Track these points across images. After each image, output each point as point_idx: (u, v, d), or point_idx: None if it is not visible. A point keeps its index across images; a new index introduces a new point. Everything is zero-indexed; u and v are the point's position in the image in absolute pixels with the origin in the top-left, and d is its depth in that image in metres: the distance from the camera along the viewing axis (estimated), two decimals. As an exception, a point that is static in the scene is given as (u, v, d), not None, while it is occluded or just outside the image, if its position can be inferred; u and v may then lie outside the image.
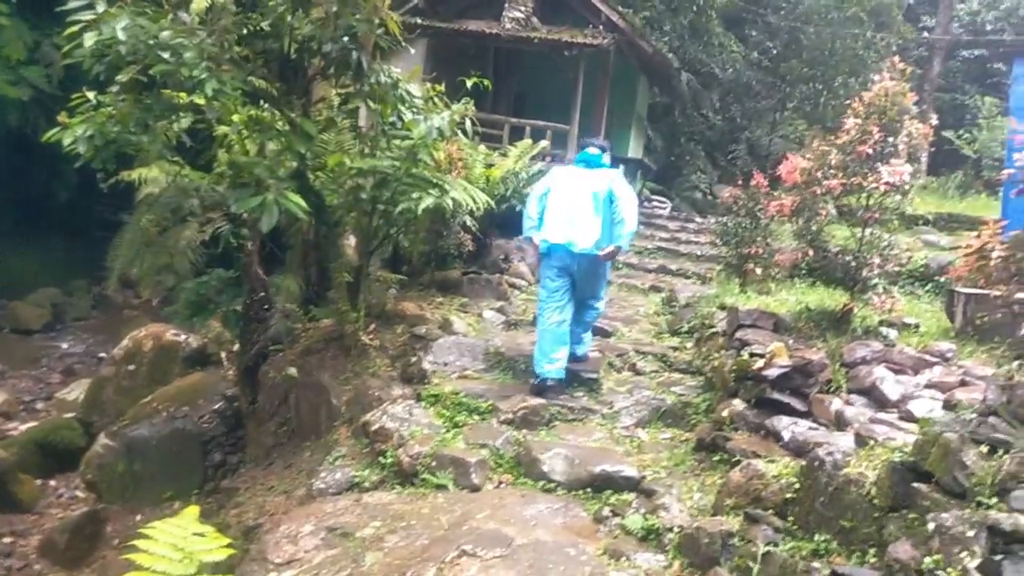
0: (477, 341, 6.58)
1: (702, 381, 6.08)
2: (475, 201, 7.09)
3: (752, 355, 5.16)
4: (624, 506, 4.56)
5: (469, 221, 7.92)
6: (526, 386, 5.98)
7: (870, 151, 5.11)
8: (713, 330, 6.24)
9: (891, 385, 4.72)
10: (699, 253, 11.20)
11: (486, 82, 6.95)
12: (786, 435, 4.61)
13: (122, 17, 5.47)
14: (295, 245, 8.19)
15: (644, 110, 18.92)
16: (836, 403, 4.78)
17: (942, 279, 7.97)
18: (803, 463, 3.90)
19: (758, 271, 7.39)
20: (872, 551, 3.44)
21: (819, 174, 5.27)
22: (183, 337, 9.85)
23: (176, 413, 8.67)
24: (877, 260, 5.27)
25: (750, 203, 7.49)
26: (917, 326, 5.75)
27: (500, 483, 4.96)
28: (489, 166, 9.06)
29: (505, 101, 13.86)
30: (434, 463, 4.97)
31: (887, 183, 4.97)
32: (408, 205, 6.44)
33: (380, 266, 8.84)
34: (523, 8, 13.12)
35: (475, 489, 4.85)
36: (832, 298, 6.11)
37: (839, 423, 4.58)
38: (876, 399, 4.74)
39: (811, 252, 5.40)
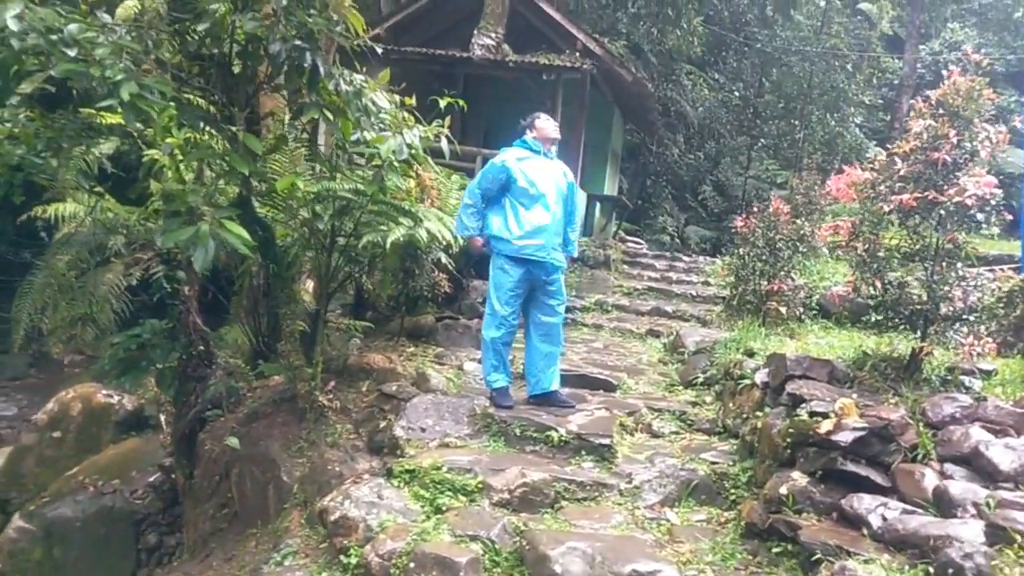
0: (459, 399, 5.44)
1: (736, 445, 5.00)
2: (452, 234, 6.03)
3: (812, 414, 4.10)
4: (666, 621, 3.44)
5: (444, 258, 6.84)
6: (522, 455, 4.86)
7: (947, 158, 4.14)
8: (745, 382, 5.18)
9: (1000, 452, 3.68)
10: (694, 293, 10.23)
11: (461, 102, 5.93)
12: (874, 521, 3.53)
13: (14, 3, 4.38)
14: (241, 289, 7.05)
15: (619, 146, 18.13)
16: (929, 476, 3.73)
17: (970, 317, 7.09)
18: (930, 569, 2.82)
19: (781, 310, 6.38)
20: None
21: (884, 187, 4.28)
22: (116, 398, 8.63)
23: (105, 488, 7.48)
24: (958, 293, 4.27)
25: (769, 232, 6.51)
26: (994, 372, 4.75)
27: (499, 589, 3.81)
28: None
29: (475, 134, 12.91)
30: (412, 564, 3.81)
31: (974, 196, 3.99)
32: (375, 238, 5.36)
33: (341, 312, 7.71)
34: (493, 35, 12.22)
35: (467, 601, 3.69)
36: (881, 342, 5.13)
37: (941, 503, 3.51)
38: (981, 470, 3.69)
39: (877, 284, 4.39)
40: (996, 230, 4.52)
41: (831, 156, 18.97)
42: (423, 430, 5.02)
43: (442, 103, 5.72)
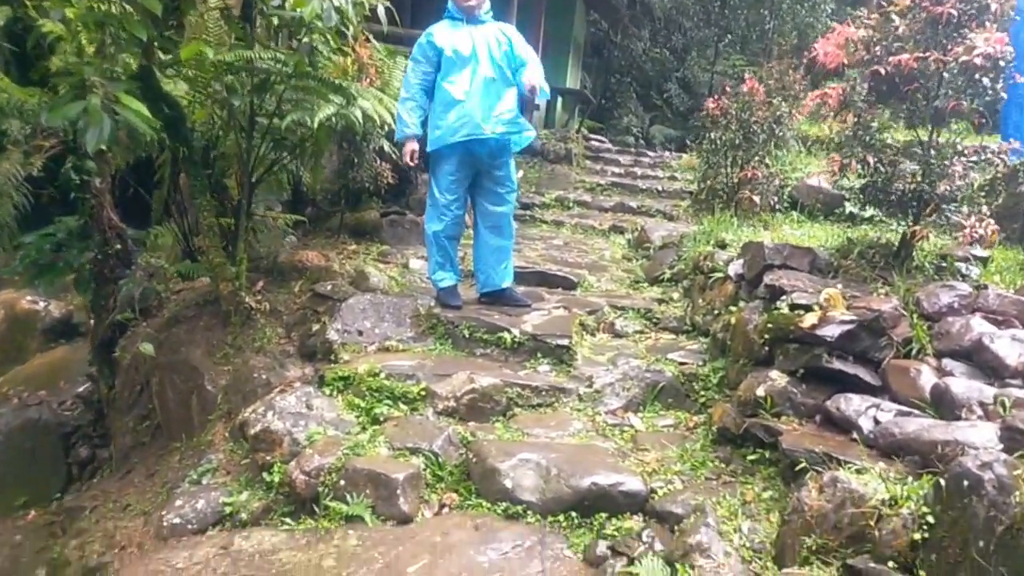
0: (401, 299, 4.90)
1: (706, 344, 4.56)
2: (393, 117, 5.38)
3: (794, 307, 3.64)
4: (630, 539, 3.04)
5: (387, 147, 6.19)
6: (471, 359, 4.37)
7: (952, 12, 3.58)
8: (717, 275, 4.70)
9: (1006, 345, 3.25)
10: (660, 188, 9.69)
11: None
12: (865, 424, 3.11)
13: None
14: (163, 181, 6.37)
15: (582, 38, 17.25)
16: (926, 373, 3.30)
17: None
18: (941, 481, 2.39)
19: (755, 199, 5.87)
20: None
21: (878, 49, 3.71)
22: (42, 304, 8.00)
23: (30, 399, 6.94)
24: (959, 168, 3.77)
25: (743, 114, 5.93)
26: (989, 260, 4.32)
27: (442, 507, 3.37)
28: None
29: (426, 18, 11.97)
30: (342, 482, 3.35)
31: (983, 54, 3.45)
32: (300, 116, 4.71)
33: (283, 209, 7.05)
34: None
35: (405, 520, 3.25)
36: (864, 231, 4.68)
37: (941, 404, 3.09)
38: (984, 365, 3.27)
39: (870, 160, 3.86)
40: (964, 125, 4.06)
41: (800, 48, 18.22)
42: (360, 333, 4.49)
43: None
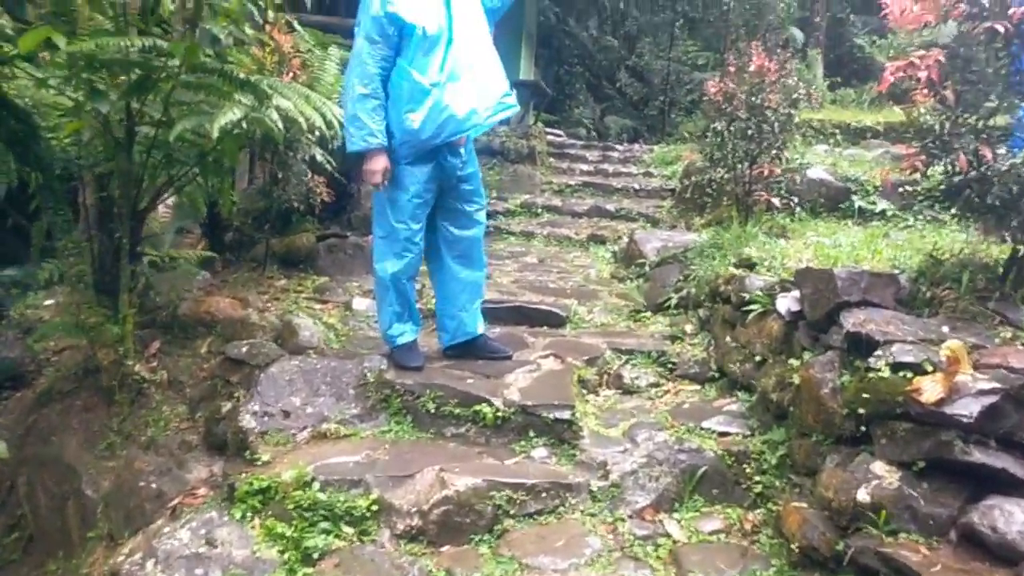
0: (342, 361, 3.69)
1: (749, 402, 3.48)
2: (325, 119, 4.19)
3: (896, 367, 2.56)
4: None
5: (320, 155, 5.01)
6: (439, 445, 3.22)
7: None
8: (754, 308, 3.60)
9: None
10: (636, 187, 8.61)
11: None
12: (1052, 561, 2.05)
13: None
14: (39, 211, 5.11)
15: (534, 27, 16.17)
16: (1113, 466, 2.26)
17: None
18: None
19: (774, 201, 4.82)
20: None
21: (992, -2, 2.66)
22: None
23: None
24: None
25: (752, 98, 4.87)
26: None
27: None
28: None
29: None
30: None
31: None
32: (196, 124, 3.51)
33: (200, 234, 5.81)
34: None
35: None
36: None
37: None
38: None
39: (987, 154, 2.79)
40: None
41: (753, 32, 17.34)
42: (287, 415, 3.31)
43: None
